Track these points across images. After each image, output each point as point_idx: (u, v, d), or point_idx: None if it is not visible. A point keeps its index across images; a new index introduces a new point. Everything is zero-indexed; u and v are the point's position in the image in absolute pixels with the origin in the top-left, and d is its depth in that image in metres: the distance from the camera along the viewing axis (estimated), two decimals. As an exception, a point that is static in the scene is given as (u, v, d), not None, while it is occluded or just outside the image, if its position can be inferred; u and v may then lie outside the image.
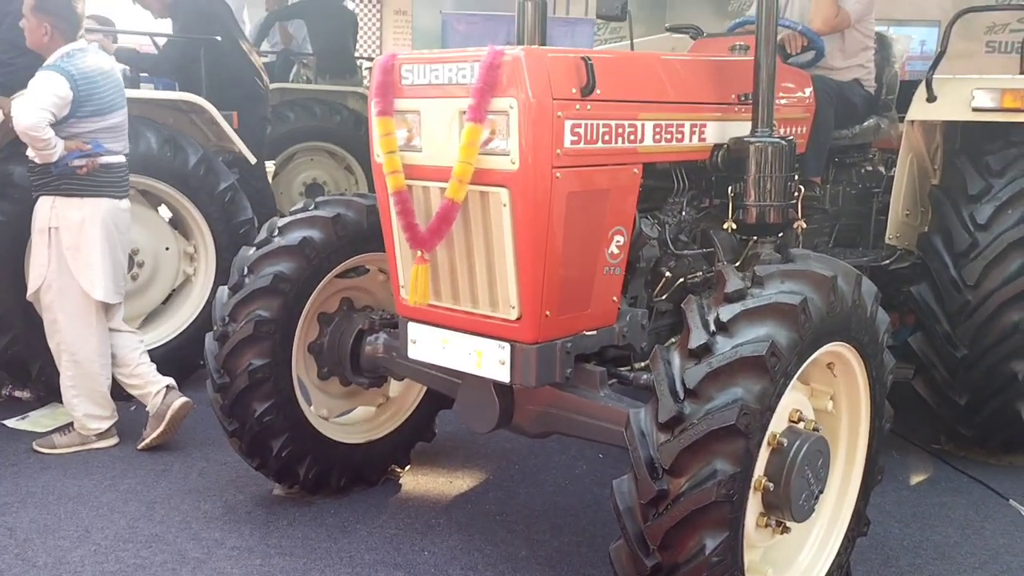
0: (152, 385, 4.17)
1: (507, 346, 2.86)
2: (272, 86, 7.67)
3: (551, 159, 2.72)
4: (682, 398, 2.27)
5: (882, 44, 4.82)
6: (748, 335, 2.30)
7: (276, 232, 3.55)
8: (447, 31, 6.75)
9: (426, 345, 3.10)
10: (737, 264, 3.49)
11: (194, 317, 5.03)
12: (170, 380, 4.23)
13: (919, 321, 4.31)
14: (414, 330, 3.13)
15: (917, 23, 12.17)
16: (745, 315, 2.33)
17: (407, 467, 4.07)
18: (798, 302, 2.36)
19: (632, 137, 2.99)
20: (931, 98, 4.24)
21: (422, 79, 2.88)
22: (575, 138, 2.78)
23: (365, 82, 8.59)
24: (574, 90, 2.76)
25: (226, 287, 3.55)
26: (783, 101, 3.64)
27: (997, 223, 4.01)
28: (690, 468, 2.22)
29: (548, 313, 2.84)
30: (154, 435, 4.14)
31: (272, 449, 3.53)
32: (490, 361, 2.91)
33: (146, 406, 4.21)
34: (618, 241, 3.05)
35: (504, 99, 2.66)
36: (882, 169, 4.71)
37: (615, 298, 3.09)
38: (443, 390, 3.42)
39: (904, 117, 4.42)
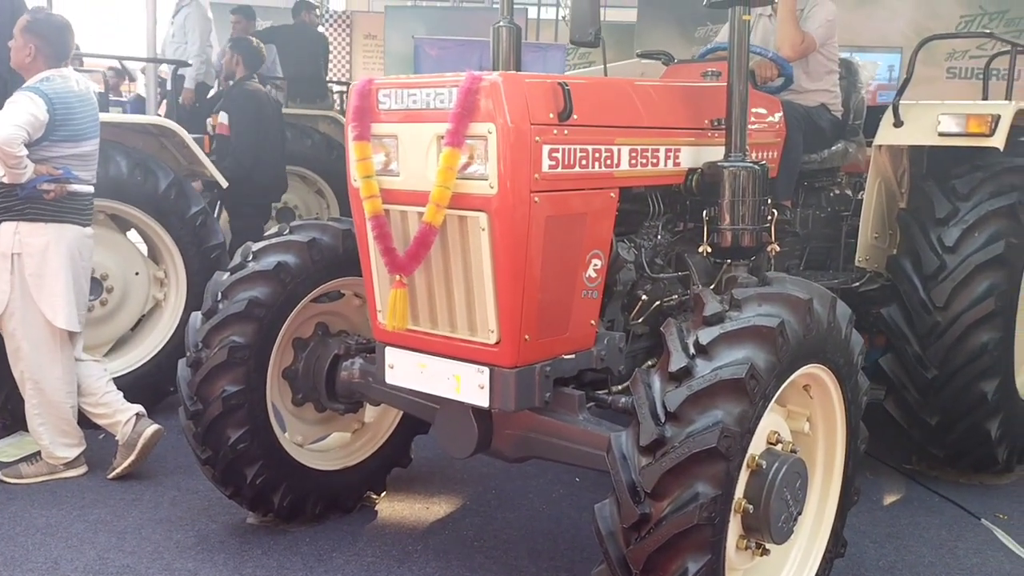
0: (121, 413, 4.10)
1: (486, 370, 2.85)
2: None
3: (529, 183, 2.73)
4: (663, 421, 2.28)
5: (848, 70, 4.91)
6: (727, 358, 2.31)
7: (250, 257, 3.52)
8: (419, 56, 6.77)
9: (404, 370, 3.08)
10: (712, 287, 3.52)
11: (164, 343, 4.96)
12: (139, 408, 4.16)
13: (889, 342, 4.36)
14: (391, 355, 3.11)
15: (879, 49, 12.42)
16: (724, 338, 2.35)
17: (383, 493, 4.03)
18: (776, 324, 2.38)
19: (608, 162, 3.01)
20: (898, 123, 4.32)
21: (399, 104, 2.89)
22: (553, 163, 2.80)
23: (336, 106, 8.62)
24: (551, 115, 2.78)
25: (199, 313, 3.51)
26: (755, 126, 3.69)
27: (964, 245, 4.07)
28: (672, 491, 2.22)
29: (527, 337, 2.84)
30: (125, 464, 4.07)
31: (246, 477, 3.47)
32: (469, 386, 2.90)
33: (115, 435, 4.13)
34: (595, 265, 3.06)
35: (482, 124, 2.67)
36: (850, 193, 4.78)
37: (593, 322, 3.10)
38: (420, 415, 3.40)
39: (872, 142, 4.51)
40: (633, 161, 3.13)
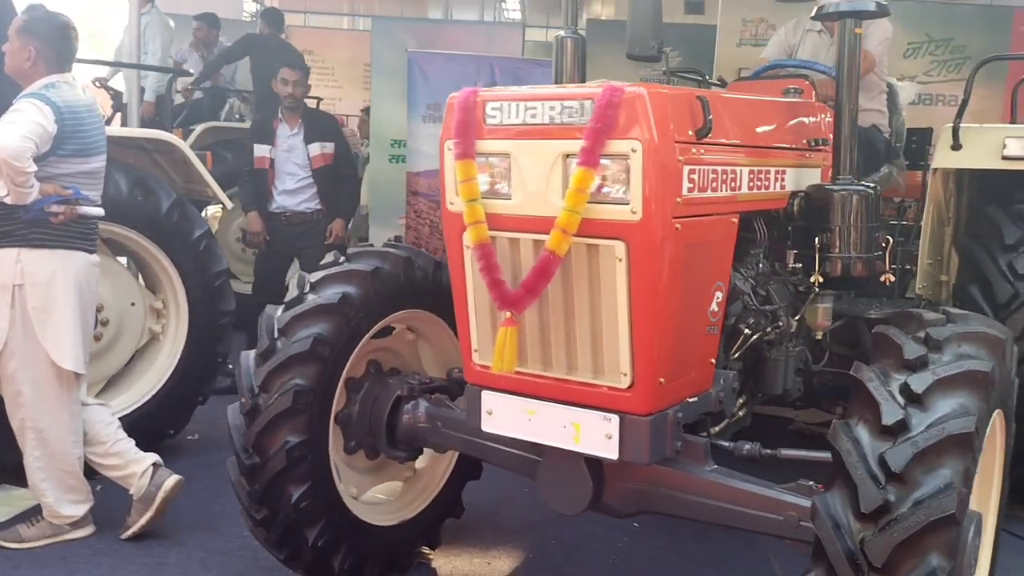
0: (135, 464, 3.62)
1: (615, 418, 2.53)
2: (206, 125, 7.20)
3: (672, 209, 2.43)
4: (883, 483, 1.99)
5: (889, 91, 4.78)
6: (944, 408, 2.05)
7: (308, 288, 3.12)
8: (413, 70, 6.42)
9: (506, 417, 2.73)
10: (802, 317, 3.29)
11: (163, 380, 4.47)
12: (155, 456, 3.68)
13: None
14: (490, 400, 2.76)
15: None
16: (939, 385, 2.08)
17: (437, 547, 3.65)
18: (989, 369, 2.13)
19: (733, 184, 2.75)
20: (956, 146, 4.17)
21: (514, 118, 2.56)
22: (691, 185, 2.51)
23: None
24: (691, 132, 2.50)
25: (252, 353, 3.09)
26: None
27: (1035, 271, 3.94)
28: (904, 565, 1.93)
29: (663, 380, 2.53)
30: (142, 522, 3.59)
31: (307, 539, 3.06)
32: (592, 435, 2.57)
33: (127, 488, 3.63)
34: (718, 297, 2.78)
35: (624, 142, 2.36)
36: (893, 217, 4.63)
37: (712, 360, 2.81)
38: (511, 467, 3.05)
39: (910, 165, 4.37)
40: (752, 184, 2.87)
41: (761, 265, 3.18)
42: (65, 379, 3.47)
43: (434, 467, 3.63)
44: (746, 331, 3.10)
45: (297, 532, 3.05)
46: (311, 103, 8.50)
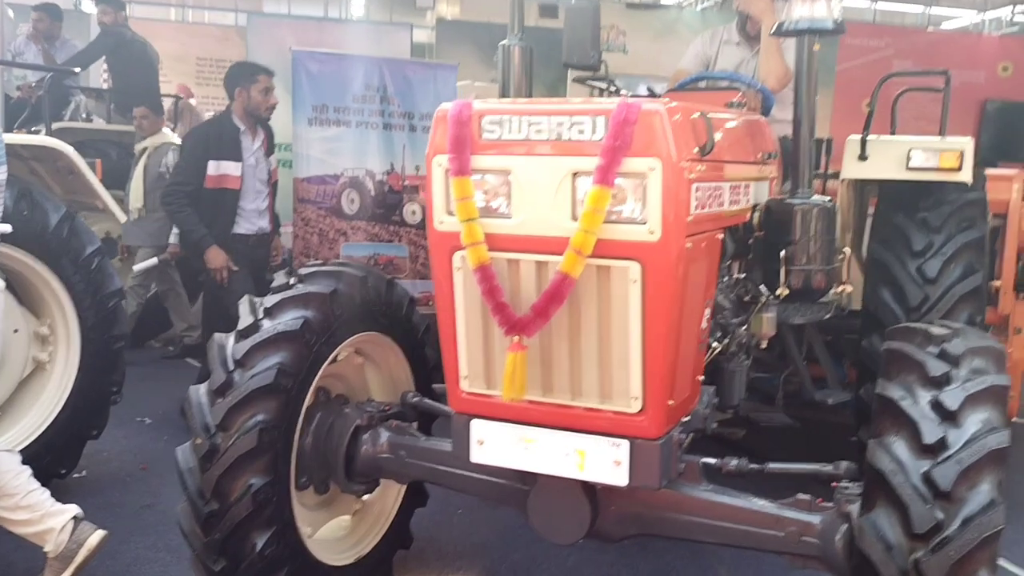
0: (51, 518, 3.19)
1: (624, 443, 2.45)
2: (54, 126, 6.57)
3: (685, 227, 2.38)
4: (930, 501, 2.01)
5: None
6: (976, 423, 2.09)
7: (262, 314, 2.86)
8: (297, 70, 6.08)
9: (500, 446, 2.60)
10: (747, 327, 3.33)
11: (54, 415, 3.99)
12: (76, 508, 3.26)
13: (860, 377, 4.38)
14: (481, 429, 2.62)
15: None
16: (969, 401, 2.12)
17: (390, 582, 3.45)
18: (1007, 383, 2.20)
19: (720, 200, 2.73)
20: (863, 157, 4.37)
21: (516, 133, 2.42)
22: (696, 203, 2.47)
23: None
24: (696, 150, 2.45)
25: (202, 388, 2.80)
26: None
27: (945, 277, 4.17)
28: (962, 582, 1.96)
29: (672, 402, 2.48)
30: (58, 582, 3.18)
31: (270, 591, 2.80)
32: (599, 462, 2.48)
33: (43, 546, 3.20)
34: (707, 314, 2.76)
35: (642, 160, 2.29)
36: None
37: (701, 377, 2.79)
38: (494, 498, 2.92)
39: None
40: (731, 199, 2.87)
41: (726, 278, 3.19)
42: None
43: (384, 498, 3.43)
44: (714, 344, 3.11)
45: (260, 582, 2.79)
46: (167, 101, 7.97)
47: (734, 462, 2.75)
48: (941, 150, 4.26)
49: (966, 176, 4.23)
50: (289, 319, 2.83)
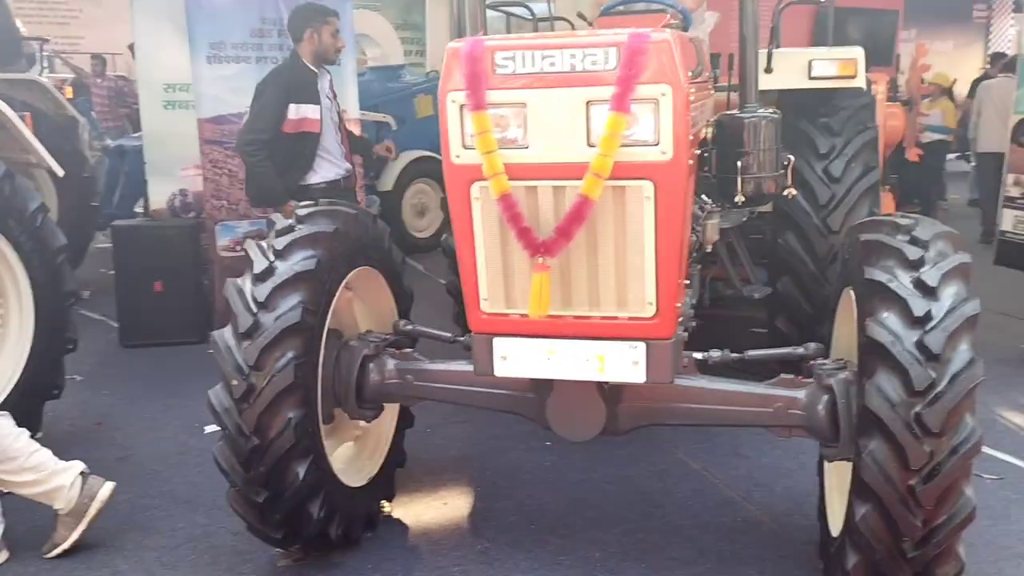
0: (58, 476, 3.20)
1: (640, 345, 2.73)
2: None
3: (688, 146, 2.64)
4: (924, 363, 2.40)
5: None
6: (951, 296, 2.47)
7: (273, 256, 2.95)
8: (191, 7, 5.85)
9: (522, 359, 2.83)
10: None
11: (16, 377, 3.91)
12: (81, 464, 3.28)
13: (775, 271, 4.83)
14: (503, 345, 2.84)
15: None
16: (944, 278, 2.51)
17: (393, 499, 3.66)
18: (970, 260, 2.60)
19: (697, 118, 3.00)
20: (768, 69, 4.74)
21: (529, 67, 2.59)
22: (692, 123, 2.73)
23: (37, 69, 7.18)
24: (690, 73, 2.70)
25: (228, 331, 2.88)
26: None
27: (848, 176, 4.63)
28: (951, 427, 2.37)
29: (679, 305, 2.78)
30: (73, 537, 3.20)
31: (312, 514, 2.96)
32: (618, 364, 2.76)
33: (53, 504, 3.21)
34: (690, 223, 3.05)
35: (655, 86, 2.51)
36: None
37: (687, 281, 3.10)
38: (504, 408, 3.16)
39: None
40: (703, 116, 3.15)
41: (687, 189, 3.49)
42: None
43: (381, 421, 3.60)
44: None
45: (302, 510, 2.94)
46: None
47: (717, 354, 3.09)
48: (839, 59, 4.69)
49: (861, 82, 4.69)
50: (302, 259, 2.93)
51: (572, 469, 4.01)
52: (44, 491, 3.20)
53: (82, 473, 3.25)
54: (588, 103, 2.56)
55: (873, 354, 2.48)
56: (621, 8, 4.44)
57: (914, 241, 2.64)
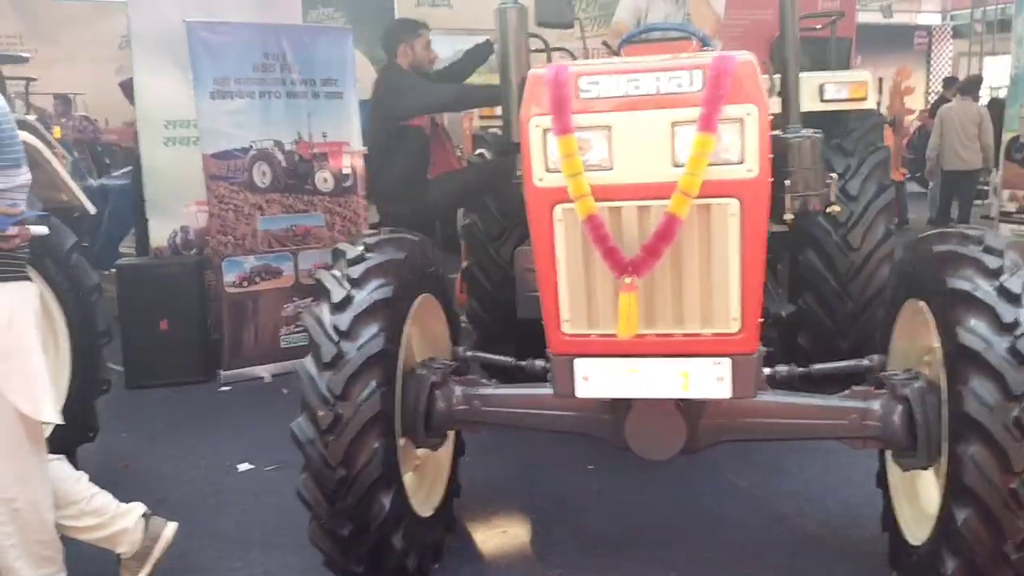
0: (122, 518, 3.11)
1: (726, 361, 2.76)
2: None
3: (769, 163, 2.70)
4: (1017, 368, 2.46)
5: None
6: (1030, 302, 2.56)
7: (349, 284, 2.93)
8: (194, 43, 5.81)
9: (605, 379, 2.84)
10: None
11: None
12: (143, 505, 3.19)
13: (796, 287, 4.92)
14: (585, 366, 2.85)
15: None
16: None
17: (453, 529, 3.62)
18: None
19: (763, 138, 3.06)
20: (780, 93, 4.86)
21: (615, 91, 2.63)
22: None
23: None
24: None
25: (308, 362, 2.84)
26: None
27: (864, 195, 4.76)
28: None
29: (760, 320, 2.82)
30: (138, 581, 3.12)
31: (395, 547, 2.92)
32: (702, 380, 2.78)
33: (115, 549, 3.12)
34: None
35: (740, 106, 2.57)
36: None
37: (760, 296, 3.15)
38: (579, 429, 3.16)
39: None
40: (761, 136, 3.21)
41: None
42: (35, 435, 2.89)
43: (438, 452, 3.57)
44: None
45: (386, 543, 2.90)
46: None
47: (784, 368, 3.13)
48: (849, 82, 4.83)
49: (871, 103, 4.84)
50: (379, 287, 2.91)
51: (621, 492, 4.01)
52: (107, 535, 3.11)
53: (144, 514, 3.17)
54: (673, 124, 2.61)
55: (966, 361, 2.54)
56: (647, 36, 4.54)
57: (989, 251, 2.72)
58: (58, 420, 2.92)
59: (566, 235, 2.74)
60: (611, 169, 2.67)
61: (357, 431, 2.76)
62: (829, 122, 4.92)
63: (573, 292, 2.80)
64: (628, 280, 2.68)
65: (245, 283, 6.04)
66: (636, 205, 2.68)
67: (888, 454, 3.29)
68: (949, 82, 14.10)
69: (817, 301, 4.84)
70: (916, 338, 3.16)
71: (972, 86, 11.50)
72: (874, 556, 3.31)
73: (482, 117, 5.24)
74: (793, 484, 4.05)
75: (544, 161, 2.70)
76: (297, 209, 6.21)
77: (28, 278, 2.91)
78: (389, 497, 2.85)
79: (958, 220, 10.21)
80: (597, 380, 2.84)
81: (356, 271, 2.95)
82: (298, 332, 6.22)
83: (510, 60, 3.67)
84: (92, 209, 4.24)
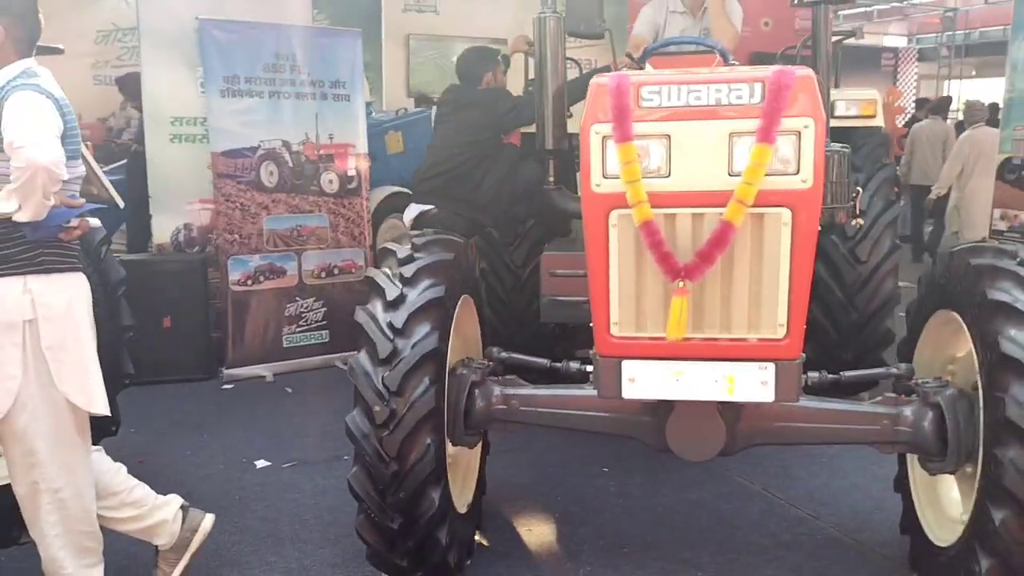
0: (160, 510, 3.11)
1: (770, 366, 2.85)
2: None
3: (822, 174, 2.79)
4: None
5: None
6: None
7: (401, 283, 2.97)
8: (205, 39, 5.80)
9: (651, 381, 2.91)
10: None
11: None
12: (179, 498, 3.20)
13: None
14: (632, 368, 2.92)
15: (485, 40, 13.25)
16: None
17: (480, 527, 3.67)
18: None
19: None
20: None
21: (675, 101, 2.71)
22: (818, 153, 2.89)
23: None
24: (813, 107, 2.86)
25: (362, 358, 2.88)
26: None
27: (872, 209, 4.90)
28: None
29: (804, 326, 2.91)
30: (177, 572, 3.11)
31: (440, 542, 2.96)
32: (747, 384, 2.87)
33: (154, 540, 3.12)
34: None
35: (799, 119, 2.66)
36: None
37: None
38: (618, 431, 3.24)
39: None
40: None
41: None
42: (83, 427, 2.88)
43: (468, 450, 3.62)
44: None
45: (433, 538, 2.95)
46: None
47: (815, 375, 3.23)
48: (861, 100, 4.98)
49: (880, 121, 4.99)
50: (430, 287, 2.96)
51: (639, 494, 4.08)
52: (145, 526, 3.11)
53: (182, 506, 3.18)
54: (731, 134, 2.70)
55: (1006, 368, 2.65)
56: (670, 49, 4.65)
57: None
58: (107, 412, 2.91)
59: (620, 240, 2.81)
60: (668, 176, 2.75)
61: (412, 427, 2.80)
62: (837, 138, 5.07)
63: (624, 295, 2.87)
64: (680, 284, 2.76)
65: (249, 282, 6.04)
66: (691, 212, 2.76)
67: (911, 458, 3.41)
68: (921, 103, 14.51)
69: (822, 312, 4.96)
70: (942, 348, 3.28)
71: (942, 107, 11.89)
72: (892, 559, 3.43)
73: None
74: (804, 488, 4.16)
75: (602, 168, 2.77)
76: (302, 209, 6.22)
77: (82, 269, 2.92)
78: (438, 492, 2.90)
79: (931, 236, 10.53)
80: (644, 382, 2.91)
81: (408, 270, 2.99)
82: (301, 331, 6.24)
83: (547, 69, 3.75)
84: (121, 203, 4.22)
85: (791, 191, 2.71)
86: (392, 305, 2.92)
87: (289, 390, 5.77)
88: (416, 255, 3.08)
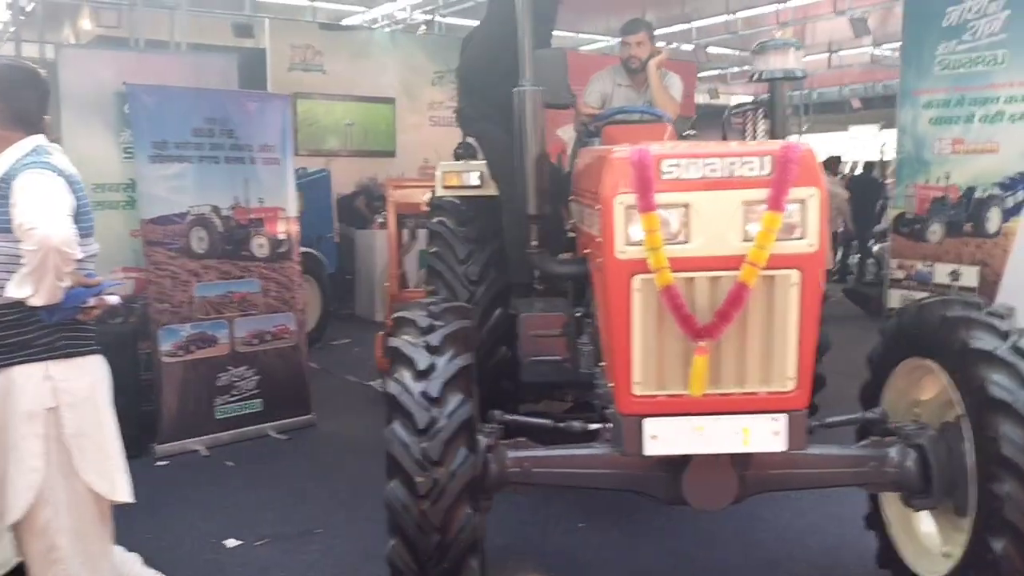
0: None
1: (782, 417, 3.04)
2: None
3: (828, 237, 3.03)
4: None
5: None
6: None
7: (429, 351, 3.01)
8: (135, 104, 5.61)
9: (673, 437, 3.04)
10: None
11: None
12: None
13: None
14: (654, 426, 3.04)
15: (376, 100, 13.33)
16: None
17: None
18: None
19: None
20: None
21: (693, 173, 2.90)
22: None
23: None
24: (815, 176, 3.12)
25: (398, 428, 2.89)
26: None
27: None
28: None
29: (811, 377, 3.12)
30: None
31: (473, 609, 2.97)
32: (760, 435, 3.04)
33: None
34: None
35: (804, 189, 2.89)
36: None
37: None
38: (626, 486, 3.34)
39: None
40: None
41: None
42: (105, 517, 2.76)
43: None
44: None
45: (467, 606, 2.95)
46: None
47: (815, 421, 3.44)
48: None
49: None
50: (457, 355, 3.01)
51: (618, 548, 4.19)
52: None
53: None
54: (744, 203, 2.90)
55: (995, 411, 2.94)
56: (622, 117, 4.89)
57: (993, 314, 3.17)
58: (131, 500, 2.80)
59: (642, 303, 2.95)
60: (687, 242, 2.92)
61: (455, 496, 2.82)
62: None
63: (645, 356, 3.00)
64: (702, 343, 2.92)
65: (181, 352, 5.83)
66: (708, 276, 2.93)
67: (884, 496, 3.67)
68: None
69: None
70: (906, 392, 3.58)
71: (832, 164, 13.65)
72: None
73: (445, 188, 5.35)
74: (772, 530, 4.37)
75: (625, 236, 2.92)
76: (233, 275, 6.08)
77: (101, 351, 2.81)
78: (478, 561, 2.92)
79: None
80: (665, 438, 3.04)
81: (434, 339, 3.03)
82: (234, 401, 6.06)
83: (528, 138, 3.89)
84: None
85: (799, 254, 2.93)
86: (423, 375, 2.94)
87: (231, 463, 5.58)
88: (435, 323, 3.12)
